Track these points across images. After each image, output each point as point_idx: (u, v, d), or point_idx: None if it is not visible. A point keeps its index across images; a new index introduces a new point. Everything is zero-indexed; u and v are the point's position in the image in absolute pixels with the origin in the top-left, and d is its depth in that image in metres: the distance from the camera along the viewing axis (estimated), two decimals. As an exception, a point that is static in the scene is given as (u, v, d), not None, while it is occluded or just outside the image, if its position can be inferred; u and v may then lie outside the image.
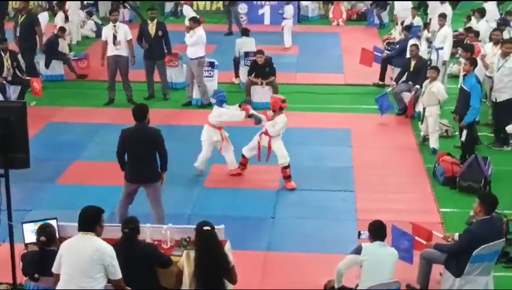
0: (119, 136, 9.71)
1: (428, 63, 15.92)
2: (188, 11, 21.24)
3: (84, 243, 6.75)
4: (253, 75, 16.07)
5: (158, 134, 9.61)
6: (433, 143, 13.37)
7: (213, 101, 12.50)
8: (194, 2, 26.49)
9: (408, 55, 15.78)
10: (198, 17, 17.23)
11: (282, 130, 11.94)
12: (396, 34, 20.35)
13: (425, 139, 13.70)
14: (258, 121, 12.04)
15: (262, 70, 15.92)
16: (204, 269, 7.40)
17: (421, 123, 13.74)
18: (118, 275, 6.84)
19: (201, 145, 12.21)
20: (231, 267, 7.61)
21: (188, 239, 8.23)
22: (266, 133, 11.93)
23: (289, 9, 22.03)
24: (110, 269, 6.76)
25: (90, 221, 6.84)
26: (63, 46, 18.62)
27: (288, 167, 11.88)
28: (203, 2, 27.25)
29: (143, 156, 9.55)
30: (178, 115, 15.53)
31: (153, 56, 16.25)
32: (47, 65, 18.01)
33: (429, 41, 17.35)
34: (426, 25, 19.36)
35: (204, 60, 16.06)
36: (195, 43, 15.82)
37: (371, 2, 26.44)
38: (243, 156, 12.25)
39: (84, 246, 6.73)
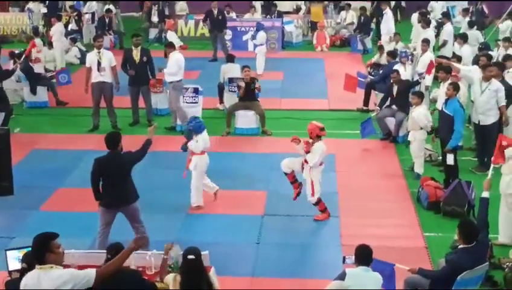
0: (93, 166, 9.81)
1: (417, 79, 16.24)
2: (172, 37, 21.38)
3: (41, 284, 6.25)
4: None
5: (130, 155, 9.90)
6: (418, 168, 13.44)
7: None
8: (179, 28, 26.67)
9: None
10: (173, 42, 17.59)
11: (321, 157, 11.60)
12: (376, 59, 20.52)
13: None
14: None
15: (248, 86, 15.98)
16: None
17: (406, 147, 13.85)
18: (91, 278, 6.37)
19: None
20: (216, 293, 7.58)
21: (172, 265, 8.21)
22: (307, 161, 11.67)
23: (261, 36, 22.20)
24: (80, 286, 6.30)
25: (38, 252, 6.36)
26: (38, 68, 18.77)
27: (317, 203, 11.70)
28: (188, 27, 27.37)
29: (121, 180, 9.75)
30: (162, 141, 15.46)
31: (138, 82, 16.29)
32: (33, 91, 17.98)
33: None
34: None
35: (180, 84, 16.15)
36: (169, 66, 15.99)
37: (354, 28, 26.65)
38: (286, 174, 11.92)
39: (42, 287, 6.25)
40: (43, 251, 6.30)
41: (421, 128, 13.36)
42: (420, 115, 13.30)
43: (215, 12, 23.92)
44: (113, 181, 9.74)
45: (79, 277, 6.34)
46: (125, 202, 9.85)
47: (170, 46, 16.66)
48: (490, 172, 9.64)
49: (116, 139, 9.81)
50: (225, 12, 24.88)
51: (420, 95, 13.87)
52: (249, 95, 15.99)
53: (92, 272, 6.41)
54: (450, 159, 12.47)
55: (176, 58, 16.08)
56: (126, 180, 9.82)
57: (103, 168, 9.75)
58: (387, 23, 23.18)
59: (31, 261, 7.72)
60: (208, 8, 24.23)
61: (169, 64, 16.07)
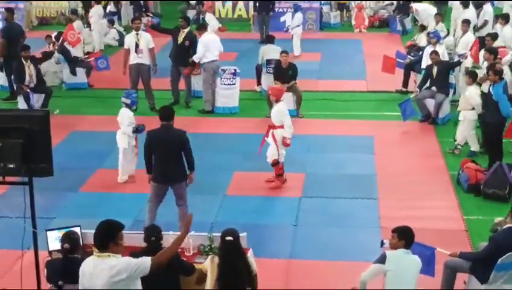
0: (146, 138, 10.04)
1: (458, 60, 16.14)
2: (210, 19, 21.34)
3: (96, 272, 6.18)
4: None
5: (184, 135, 9.98)
6: (472, 145, 13.33)
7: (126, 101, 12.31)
8: (216, 10, 26.61)
9: (429, 62, 15.68)
10: (204, 24, 17.73)
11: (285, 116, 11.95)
12: (420, 40, 20.20)
13: (457, 148, 13.58)
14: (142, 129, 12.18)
15: (285, 73, 15.91)
16: (226, 277, 7.39)
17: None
18: (146, 267, 6.25)
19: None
20: (253, 276, 7.57)
21: (208, 246, 8.23)
22: (272, 126, 12.00)
23: (297, 18, 22.09)
24: (135, 275, 6.24)
25: (102, 239, 6.22)
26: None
27: (274, 165, 11.97)
28: (225, 9, 27.33)
29: (170, 156, 9.88)
30: (199, 122, 15.54)
31: (177, 62, 16.40)
32: (73, 72, 18.12)
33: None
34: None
35: (211, 66, 16.11)
36: (199, 48, 16.03)
37: (393, 8, 26.34)
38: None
39: (98, 275, 6.19)
40: (108, 240, 6.20)
41: (473, 108, 13.15)
42: (472, 93, 13.10)
43: None
44: (163, 154, 9.89)
45: (135, 266, 6.24)
46: (172, 180, 10.00)
47: (200, 28, 16.77)
48: None
49: (170, 111, 10.08)
50: None
51: (472, 75, 13.56)
52: (286, 80, 15.88)
53: (147, 261, 6.30)
54: None
55: (202, 40, 16.11)
56: (175, 157, 9.90)
57: (154, 139, 9.93)
58: (423, 16, 22.71)
59: (74, 242, 7.82)
60: None
61: (198, 46, 16.12)
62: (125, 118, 12.19)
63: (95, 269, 6.22)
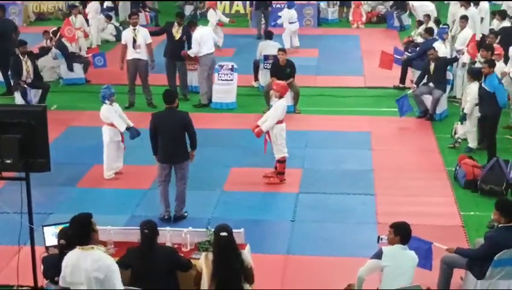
0: (151, 120, 10.48)
1: (455, 56, 16.18)
2: (212, 16, 21.32)
3: (79, 264, 6.28)
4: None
5: (187, 117, 10.59)
6: (471, 142, 13.33)
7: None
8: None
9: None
10: (194, 21, 18.02)
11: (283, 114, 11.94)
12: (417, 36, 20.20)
13: (457, 141, 13.59)
14: (135, 135, 12.27)
15: (283, 71, 15.88)
16: (221, 273, 7.39)
17: (461, 123, 13.67)
18: (118, 285, 6.33)
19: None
20: (249, 268, 7.56)
21: (206, 243, 8.23)
22: None
23: (293, 14, 22.12)
24: (106, 284, 6.28)
25: (85, 233, 6.32)
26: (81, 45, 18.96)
27: (279, 162, 11.97)
28: (223, 5, 27.26)
29: (174, 138, 10.38)
30: (196, 118, 15.24)
31: (174, 56, 16.41)
32: (70, 67, 18.10)
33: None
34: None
35: (206, 59, 16.16)
36: (193, 44, 16.13)
37: (391, 4, 26.32)
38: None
39: (80, 267, 6.27)
40: (88, 230, 6.32)
41: (476, 105, 13.15)
42: (472, 90, 13.09)
43: None
44: (167, 135, 10.34)
45: (113, 273, 6.27)
46: (175, 160, 10.48)
47: (191, 24, 16.94)
48: None
49: (173, 94, 10.85)
50: None
51: (472, 73, 13.55)
52: (283, 78, 15.84)
53: (120, 284, 6.35)
54: None
55: (195, 36, 16.20)
56: (179, 138, 10.41)
57: (158, 121, 10.43)
58: (419, 12, 22.69)
59: (71, 239, 7.81)
60: None
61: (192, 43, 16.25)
62: (105, 112, 12.16)
63: (77, 262, 6.28)
